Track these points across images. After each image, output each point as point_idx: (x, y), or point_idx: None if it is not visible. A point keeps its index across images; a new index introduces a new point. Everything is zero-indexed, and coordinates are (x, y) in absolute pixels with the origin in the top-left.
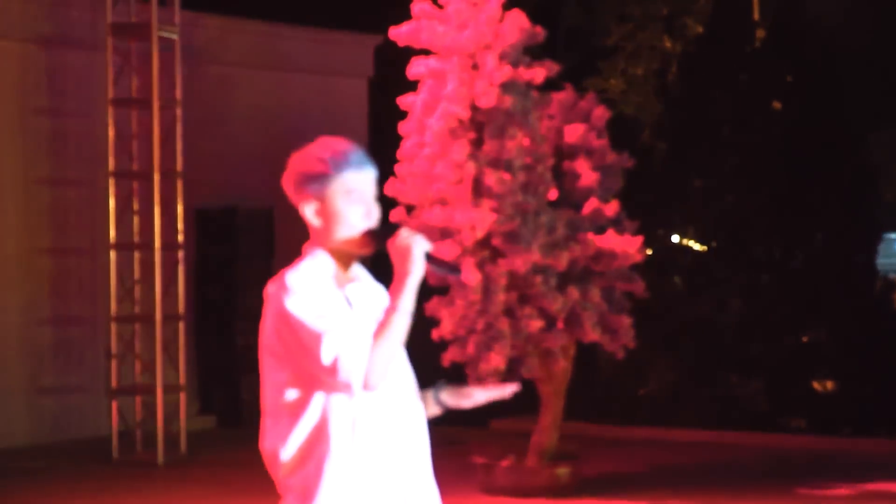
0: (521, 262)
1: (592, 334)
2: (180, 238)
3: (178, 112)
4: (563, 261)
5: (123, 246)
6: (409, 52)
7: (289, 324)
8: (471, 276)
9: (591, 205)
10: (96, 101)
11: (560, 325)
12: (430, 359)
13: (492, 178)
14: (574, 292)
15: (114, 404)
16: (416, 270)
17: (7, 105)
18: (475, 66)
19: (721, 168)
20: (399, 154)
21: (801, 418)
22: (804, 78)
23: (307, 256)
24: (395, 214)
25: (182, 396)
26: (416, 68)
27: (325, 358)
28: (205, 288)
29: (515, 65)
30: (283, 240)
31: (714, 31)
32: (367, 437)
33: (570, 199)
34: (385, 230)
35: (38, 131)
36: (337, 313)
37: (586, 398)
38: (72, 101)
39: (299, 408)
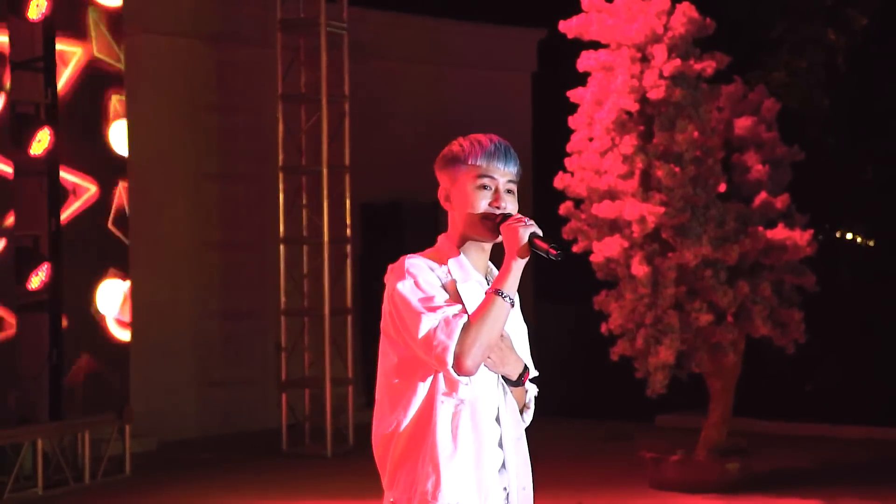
0: (690, 256)
1: (763, 328)
2: (348, 232)
3: (346, 107)
4: (733, 254)
5: (292, 240)
6: (571, 47)
7: (396, 305)
8: (639, 269)
9: (760, 198)
10: (264, 96)
11: (729, 318)
12: (597, 353)
13: (662, 171)
14: (744, 286)
15: (283, 397)
16: (522, 254)
17: (178, 101)
18: (644, 59)
19: (892, 160)
20: (568, 147)
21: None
22: None
23: (436, 244)
24: (564, 208)
25: (350, 390)
26: (585, 61)
27: (420, 335)
28: (370, 282)
29: (685, 57)
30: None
31: (883, 21)
32: (468, 435)
33: (740, 193)
34: (501, 217)
35: (208, 127)
36: (442, 296)
37: (751, 393)
38: (240, 98)
39: (406, 396)
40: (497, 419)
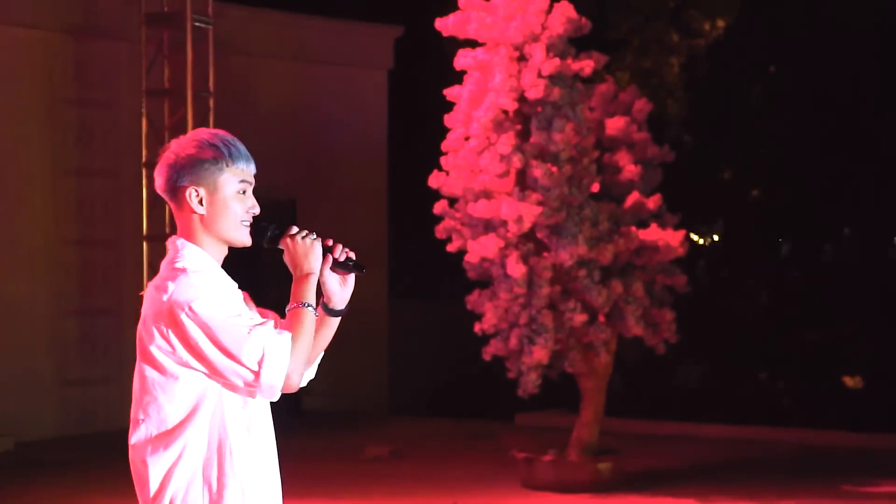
0: (566, 255)
1: (636, 328)
2: None
3: (211, 103)
4: (607, 254)
5: (155, 237)
6: (429, 45)
7: (194, 325)
8: (516, 268)
9: (632, 198)
10: (124, 91)
11: (601, 318)
12: (468, 352)
13: (539, 171)
14: (618, 286)
15: None
16: (317, 269)
17: (35, 95)
18: (522, 58)
19: (748, 161)
20: (443, 146)
21: (830, 414)
22: (836, 71)
23: (184, 250)
24: (439, 207)
25: None
26: (462, 60)
27: (250, 361)
28: None
29: (563, 56)
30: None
31: (743, 23)
32: (260, 446)
33: (611, 193)
34: (271, 226)
35: (67, 122)
36: (247, 313)
37: (611, 393)
38: (99, 92)
39: (193, 414)
40: (269, 427)
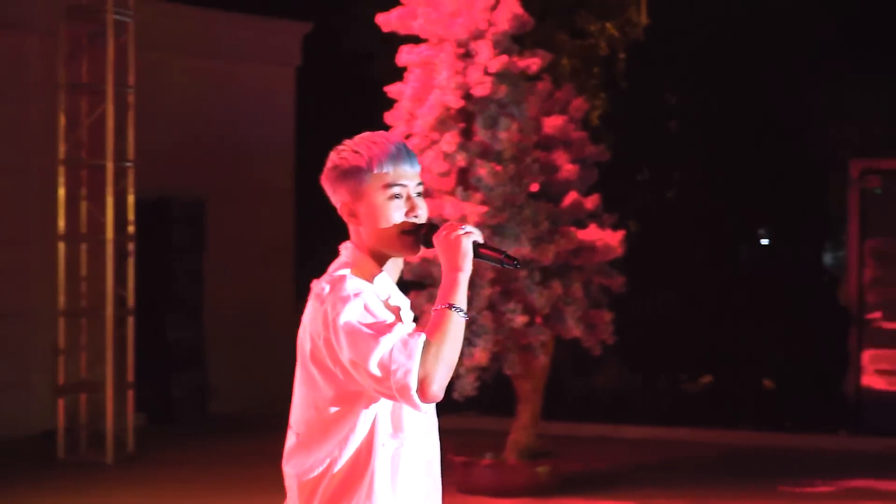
0: None
1: (575, 330)
2: (131, 229)
3: (131, 99)
4: (549, 254)
5: (72, 237)
6: (338, 42)
7: (338, 331)
8: None
9: (570, 198)
10: (34, 86)
11: (538, 320)
12: None
13: (484, 170)
14: (557, 287)
15: (60, 402)
16: (468, 265)
17: None
18: (467, 55)
19: (666, 161)
20: None
21: (749, 414)
22: (753, 72)
23: (347, 259)
24: None
25: (130, 395)
26: (405, 56)
27: (374, 362)
28: (137, 281)
29: (508, 53)
30: (215, 232)
31: (659, 24)
32: (408, 478)
33: (549, 192)
34: (427, 227)
35: None
36: (390, 318)
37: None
38: (7, 87)
39: (341, 434)
40: (431, 464)
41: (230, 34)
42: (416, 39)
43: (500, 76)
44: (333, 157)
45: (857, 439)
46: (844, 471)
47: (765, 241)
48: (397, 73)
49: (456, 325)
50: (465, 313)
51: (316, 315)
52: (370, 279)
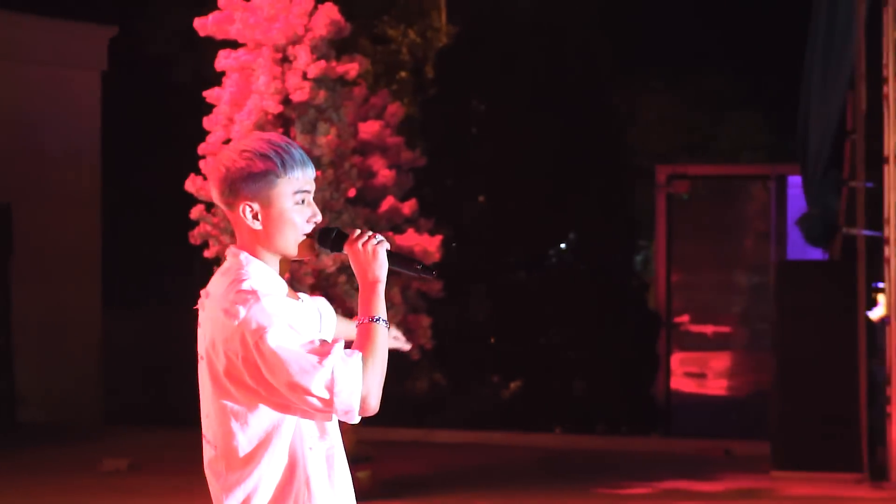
0: (330, 261)
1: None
2: None
3: None
4: None
5: None
6: (144, 47)
7: (264, 353)
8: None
9: (388, 203)
10: None
11: None
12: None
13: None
14: None
15: None
16: (384, 275)
17: None
18: (286, 59)
19: (474, 169)
20: (201, 149)
21: (562, 417)
22: (562, 80)
23: (248, 266)
24: (196, 211)
25: None
26: (223, 61)
27: (319, 390)
28: None
29: (326, 58)
30: (21, 238)
31: (470, 33)
32: (339, 478)
33: (366, 198)
34: (333, 233)
35: None
36: (315, 334)
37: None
38: None
39: (269, 445)
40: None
41: (33, 38)
42: (232, 44)
43: (319, 81)
44: (234, 159)
45: (668, 441)
46: (658, 472)
47: (563, 246)
48: (204, 78)
49: (383, 338)
50: (386, 323)
51: (230, 334)
52: (277, 288)
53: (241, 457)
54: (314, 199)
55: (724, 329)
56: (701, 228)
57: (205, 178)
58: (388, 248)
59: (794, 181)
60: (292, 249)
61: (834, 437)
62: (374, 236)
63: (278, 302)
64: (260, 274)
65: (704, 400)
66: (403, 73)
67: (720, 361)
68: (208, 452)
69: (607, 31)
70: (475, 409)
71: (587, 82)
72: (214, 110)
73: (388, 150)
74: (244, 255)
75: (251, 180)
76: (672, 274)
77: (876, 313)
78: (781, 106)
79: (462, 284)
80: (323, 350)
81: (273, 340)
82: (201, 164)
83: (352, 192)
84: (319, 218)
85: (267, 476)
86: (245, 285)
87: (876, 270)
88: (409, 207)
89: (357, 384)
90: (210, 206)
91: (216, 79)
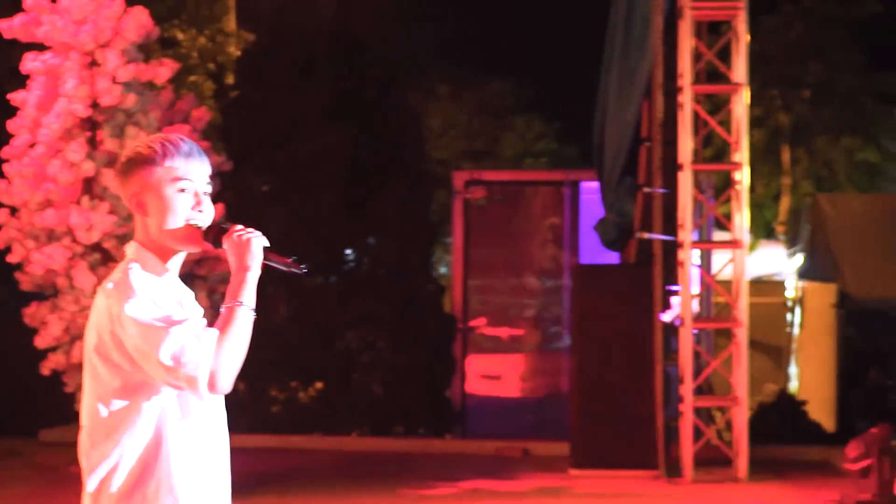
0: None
1: None
2: None
3: None
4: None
5: None
6: None
7: (126, 325)
8: (84, 279)
9: None
10: None
11: None
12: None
13: (110, 179)
14: None
15: None
16: (256, 266)
17: None
18: (95, 63)
19: (274, 175)
20: (4, 153)
21: (359, 420)
22: (363, 87)
23: (133, 256)
24: (0, 216)
25: None
26: (29, 64)
27: (166, 353)
28: None
29: (135, 62)
30: None
31: (274, 38)
32: (203, 458)
33: None
34: (217, 228)
35: None
36: (179, 312)
37: None
38: None
39: (129, 423)
40: (221, 453)
41: None
42: (39, 46)
43: (127, 85)
44: (126, 150)
45: (466, 442)
46: (459, 472)
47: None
48: (8, 80)
49: (244, 322)
50: (253, 310)
51: (101, 309)
52: (159, 274)
53: (102, 434)
54: (209, 194)
55: (519, 332)
56: (497, 233)
57: (9, 182)
58: (265, 245)
59: (588, 187)
60: (173, 237)
61: (630, 435)
62: (249, 231)
63: (147, 279)
64: (144, 260)
65: (500, 402)
66: (193, 77)
67: (515, 363)
68: (80, 436)
69: (400, 40)
70: (275, 414)
71: (384, 89)
72: (19, 113)
73: None
74: (133, 245)
75: (133, 168)
76: (469, 278)
77: (669, 315)
78: (562, 114)
79: (261, 288)
80: (176, 321)
81: (131, 310)
82: (5, 167)
83: None
84: (206, 209)
85: (128, 454)
86: (123, 266)
87: (670, 273)
88: (216, 213)
89: (206, 358)
90: (14, 210)
91: (20, 81)
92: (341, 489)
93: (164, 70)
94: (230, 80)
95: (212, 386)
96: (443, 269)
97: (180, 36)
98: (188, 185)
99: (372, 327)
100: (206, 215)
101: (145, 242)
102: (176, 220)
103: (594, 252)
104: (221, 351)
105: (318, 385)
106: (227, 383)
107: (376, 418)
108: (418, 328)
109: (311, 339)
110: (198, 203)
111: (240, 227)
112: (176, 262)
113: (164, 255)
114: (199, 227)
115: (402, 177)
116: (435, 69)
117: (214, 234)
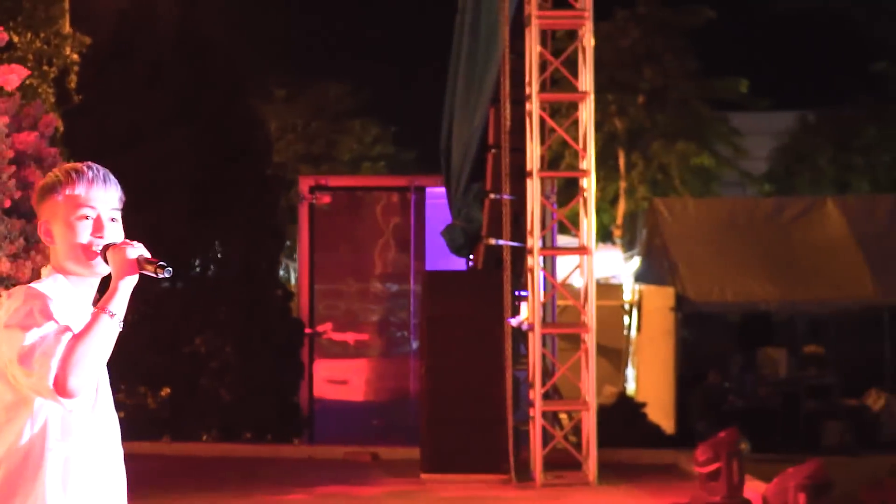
0: None
1: None
2: None
3: None
4: (26, 271)
5: None
6: None
7: (2, 334)
8: None
9: None
10: None
11: None
12: None
13: None
14: None
15: None
16: (129, 275)
17: None
18: None
19: (126, 179)
20: None
21: (207, 425)
22: (209, 90)
23: (44, 277)
24: None
25: None
26: None
27: (20, 356)
28: None
29: None
30: None
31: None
32: (81, 481)
33: (21, 209)
34: (106, 246)
35: None
36: (49, 321)
37: None
38: None
39: (10, 433)
40: (111, 470)
41: None
42: None
43: None
44: (40, 180)
45: (315, 447)
46: (310, 478)
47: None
48: None
49: (104, 329)
50: (120, 320)
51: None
52: (58, 294)
53: None
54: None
55: (364, 337)
56: (342, 238)
57: None
58: (143, 254)
59: (434, 192)
60: (75, 262)
61: (480, 440)
62: (130, 243)
63: (40, 294)
64: (52, 283)
65: (348, 406)
66: (29, 81)
67: (362, 368)
68: None
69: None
70: (121, 420)
71: (230, 94)
72: None
73: (44, 162)
74: (47, 269)
75: (41, 197)
76: (315, 283)
77: (517, 320)
78: (399, 119)
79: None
80: (35, 325)
81: (10, 319)
82: None
83: (7, 203)
84: (109, 235)
85: (2, 471)
86: (26, 286)
87: (518, 279)
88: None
89: (52, 359)
90: None
91: None
92: (193, 494)
93: (13, 77)
94: (72, 84)
95: (59, 388)
96: (282, 273)
97: (16, 39)
98: (90, 211)
99: (219, 333)
100: (109, 240)
101: (56, 268)
102: (76, 247)
103: (440, 257)
104: (72, 354)
105: (166, 391)
106: (76, 387)
107: (225, 424)
108: (265, 333)
109: (158, 345)
110: (98, 229)
111: (122, 240)
112: (86, 289)
113: (73, 281)
114: (96, 251)
115: (249, 182)
116: (270, 72)
117: (103, 252)
